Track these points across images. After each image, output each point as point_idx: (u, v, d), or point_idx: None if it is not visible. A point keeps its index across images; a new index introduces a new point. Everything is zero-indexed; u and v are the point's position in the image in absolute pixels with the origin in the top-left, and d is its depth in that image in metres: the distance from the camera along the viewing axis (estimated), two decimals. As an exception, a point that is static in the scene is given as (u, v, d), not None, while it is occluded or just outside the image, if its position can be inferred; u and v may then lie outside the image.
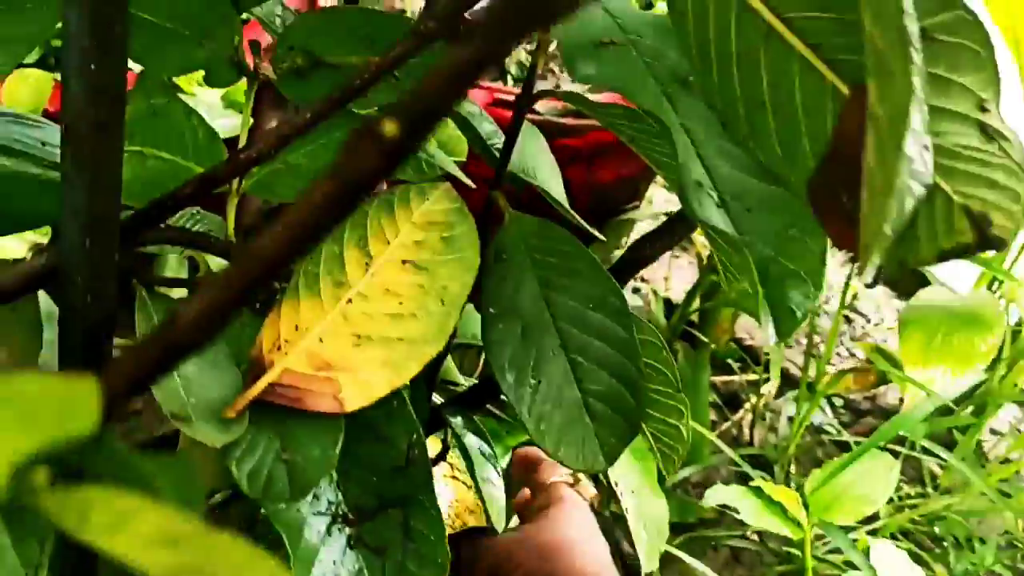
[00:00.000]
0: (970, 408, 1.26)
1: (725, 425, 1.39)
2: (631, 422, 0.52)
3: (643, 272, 1.68)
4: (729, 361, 1.44)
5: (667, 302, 1.49)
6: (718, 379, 1.47)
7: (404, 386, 0.37)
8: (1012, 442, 1.39)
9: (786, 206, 0.34)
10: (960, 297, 1.11)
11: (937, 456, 1.13)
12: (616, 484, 0.91)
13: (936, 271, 1.31)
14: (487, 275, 0.47)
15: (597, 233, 0.55)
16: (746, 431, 1.40)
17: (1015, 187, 0.29)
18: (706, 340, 1.37)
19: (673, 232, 0.50)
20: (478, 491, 0.57)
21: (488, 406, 0.69)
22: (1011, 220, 0.28)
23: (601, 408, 0.51)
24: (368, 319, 0.35)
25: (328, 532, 0.39)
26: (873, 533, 1.13)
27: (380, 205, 0.37)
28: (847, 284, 1.17)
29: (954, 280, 1.22)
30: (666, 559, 1.16)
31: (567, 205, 0.52)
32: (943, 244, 0.29)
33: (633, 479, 0.93)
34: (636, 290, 1.57)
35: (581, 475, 0.63)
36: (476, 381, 0.65)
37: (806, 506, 0.91)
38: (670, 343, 1.33)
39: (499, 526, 0.57)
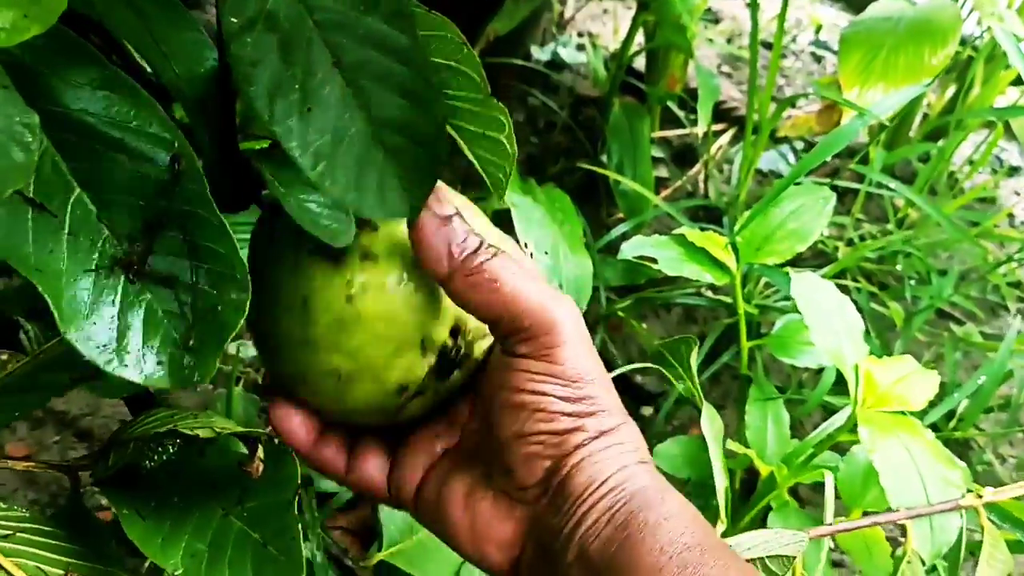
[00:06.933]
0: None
1: (679, 181, 1.31)
2: (433, 152, 0.44)
3: (591, 27, 1.55)
4: (682, 114, 1.33)
5: (614, 56, 1.37)
6: (672, 133, 1.37)
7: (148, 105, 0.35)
8: (978, 170, 1.30)
9: None
10: (915, 8, 0.99)
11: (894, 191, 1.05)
12: (526, 245, 0.85)
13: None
14: (223, -21, 0.38)
15: None
16: (702, 186, 1.31)
17: None
18: (649, 91, 1.27)
19: None
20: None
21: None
22: None
23: (395, 139, 0.42)
24: None
25: (99, 283, 0.34)
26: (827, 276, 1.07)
27: None
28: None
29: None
30: (615, 323, 1.12)
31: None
32: None
33: (547, 240, 0.87)
34: (581, 47, 1.44)
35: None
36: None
37: (736, 250, 0.84)
38: (609, 96, 1.22)
39: None
